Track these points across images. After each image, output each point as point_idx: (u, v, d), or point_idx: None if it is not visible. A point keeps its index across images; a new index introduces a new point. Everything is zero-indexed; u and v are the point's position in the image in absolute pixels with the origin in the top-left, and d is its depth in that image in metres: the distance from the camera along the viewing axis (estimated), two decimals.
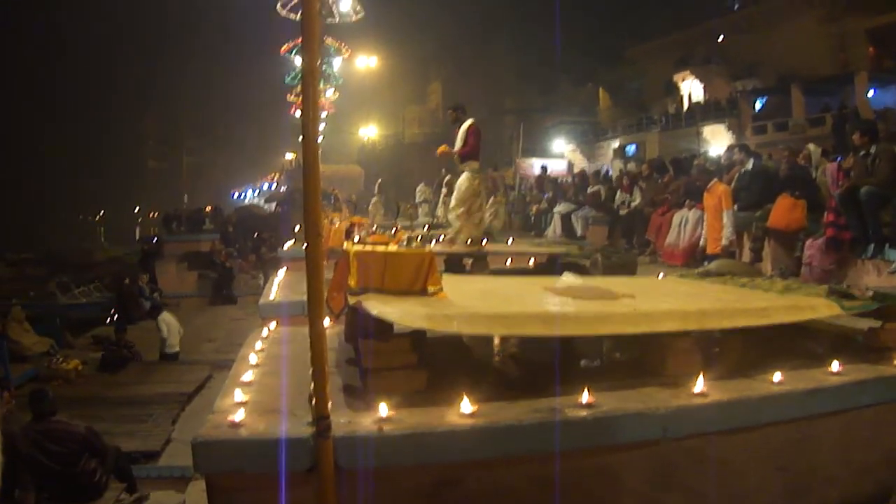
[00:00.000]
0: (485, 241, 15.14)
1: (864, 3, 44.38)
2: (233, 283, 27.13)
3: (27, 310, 18.90)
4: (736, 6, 53.22)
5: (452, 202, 12.27)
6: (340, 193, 22.41)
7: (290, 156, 46.58)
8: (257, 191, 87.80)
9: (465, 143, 12.07)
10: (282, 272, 13.17)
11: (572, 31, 62.26)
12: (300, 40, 4.52)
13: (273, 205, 45.74)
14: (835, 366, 5.43)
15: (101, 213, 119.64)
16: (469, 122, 12.16)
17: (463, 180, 12.11)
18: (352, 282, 5.37)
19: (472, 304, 5.44)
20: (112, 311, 22.92)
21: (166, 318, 17.89)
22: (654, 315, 5.30)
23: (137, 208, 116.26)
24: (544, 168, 31.94)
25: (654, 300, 5.93)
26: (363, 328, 5.06)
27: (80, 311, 25.07)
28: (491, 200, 23.26)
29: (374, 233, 7.01)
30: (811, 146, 14.48)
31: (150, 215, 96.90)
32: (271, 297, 10.50)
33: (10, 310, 17.80)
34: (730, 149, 15.88)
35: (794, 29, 45.40)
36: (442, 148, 12.42)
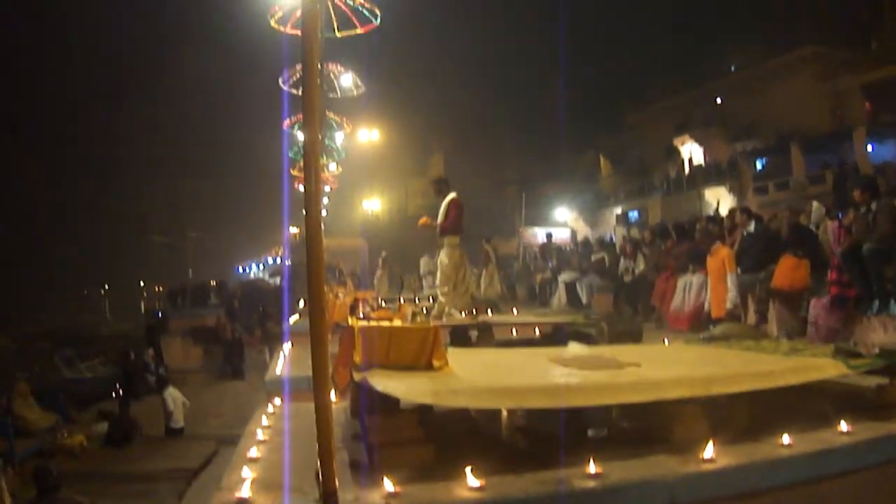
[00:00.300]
0: (490, 311, 15.15)
1: (859, 59, 44.84)
2: (242, 357, 26.99)
3: (32, 384, 18.86)
4: (733, 68, 53.60)
5: (438, 279, 12.26)
6: (344, 267, 22.47)
7: (293, 230, 46.69)
8: (261, 265, 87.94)
9: (447, 216, 12.09)
10: (287, 347, 13.16)
11: (572, 100, 62.79)
12: (302, 115, 4.58)
13: (277, 278, 45.83)
14: (843, 425, 5.40)
15: (106, 288, 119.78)
16: (451, 196, 12.22)
17: (443, 256, 12.14)
18: (357, 357, 5.38)
19: (477, 377, 5.44)
20: (117, 386, 22.85)
21: (172, 392, 17.84)
22: (661, 383, 5.29)
23: (142, 283, 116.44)
24: (549, 235, 32.02)
25: (660, 368, 5.93)
26: (369, 403, 5.06)
27: (84, 386, 24.99)
28: (483, 272, 23.37)
29: (379, 307, 7.03)
30: (815, 203, 14.51)
31: (155, 290, 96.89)
32: (277, 373, 10.48)
33: (16, 385, 17.75)
34: (731, 212, 15.92)
35: (791, 88, 45.82)
36: (423, 220, 12.48)
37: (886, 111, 40.89)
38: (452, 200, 12.10)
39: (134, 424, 16.74)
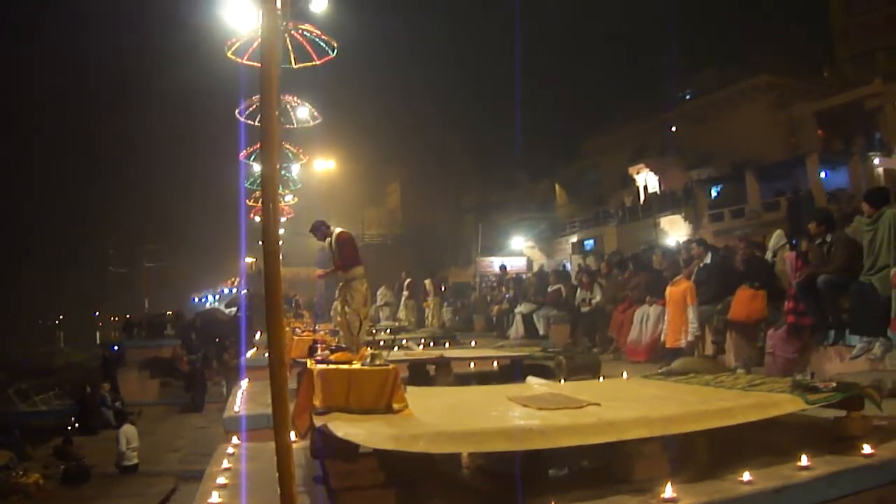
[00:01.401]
0: (447, 344, 15.13)
1: (812, 87, 45.44)
2: (204, 389, 26.79)
3: None
4: (688, 96, 54.02)
5: (350, 311, 12.00)
6: (301, 298, 22.39)
7: (249, 259, 46.51)
8: (217, 295, 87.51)
9: (341, 253, 12.00)
10: (244, 383, 13.09)
11: (528, 129, 63.19)
12: (259, 146, 4.59)
13: (234, 309, 45.62)
14: (804, 460, 5.46)
15: (61, 318, 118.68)
16: (336, 232, 12.09)
17: (354, 290, 11.92)
18: (316, 401, 5.35)
19: (437, 421, 5.44)
20: (73, 420, 22.65)
21: (126, 430, 17.68)
22: (620, 423, 5.30)
23: (97, 313, 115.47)
24: (503, 267, 32.07)
25: (620, 406, 5.94)
26: (329, 448, 5.04)
27: (39, 419, 24.78)
28: (425, 306, 23.53)
29: (337, 348, 6.99)
30: (778, 231, 14.54)
31: (111, 319, 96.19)
32: (235, 409, 10.43)
33: None
34: (687, 243, 15.99)
35: (746, 116, 46.35)
36: (318, 272, 12.30)
37: (838, 138, 41.45)
38: (338, 237, 11.95)
39: (79, 461, 16.52)
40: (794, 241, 12.75)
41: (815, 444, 5.88)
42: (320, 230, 12.17)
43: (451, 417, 5.69)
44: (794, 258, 11.62)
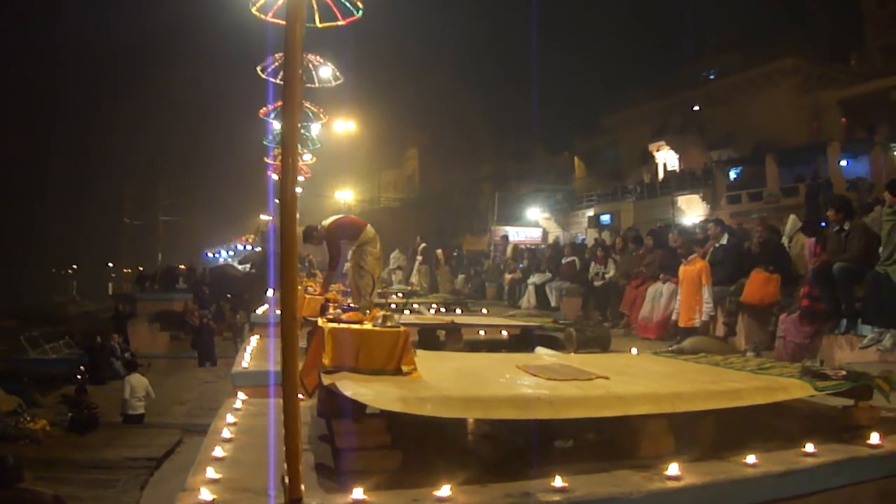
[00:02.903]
0: (458, 311, 15.12)
1: (837, 74, 45.04)
2: (212, 344, 26.81)
3: None
4: (712, 76, 53.67)
5: (362, 272, 11.87)
6: (314, 258, 22.32)
7: (265, 217, 46.53)
8: (231, 251, 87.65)
9: (330, 253, 11.93)
10: (254, 339, 13.10)
11: (549, 100, 62.96)
12: (280, 104, 4.57)
13: (247, 266, 45.68)
14: (809, 447, 5.41)
15: (74, 268, 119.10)
16: (325, 228, 11.87)
17: (366, 253, 11.80)
18: (326, 360, 5.33)
19: (446, 385, 5.44)
20: (82, 369, 22.72)
21: (132, 379, 17.70)
22: (628, 398, 5.29)
23: (111, 264, 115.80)
24: (505, 237, 32.04)
25: (629, 381, 5.92)
26: (337, 407, 5.04)
27: (49, 367, 24.89)
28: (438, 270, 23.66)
29: (348, 308, 6.97)
30: (792, 216, 14.49)
31: (124, 271, 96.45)
32: (244, 365, 10.42)
33: None
34: (703, 223, 15.93)
35: (769, 99, 45.86)
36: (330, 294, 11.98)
37: (862, 128, 41.08)
38: (328, 235, 11.80)
39: (91, 410, 16.58)
40: (823, 224, 12.69)
41: (822, 432, 5.85)
42: (314, 235, 12.02)
43: (459, 382, 5.68)
44: (814, 243, 11.58)
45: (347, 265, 12.35)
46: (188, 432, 14.89)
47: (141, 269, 51.12)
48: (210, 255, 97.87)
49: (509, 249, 27.95)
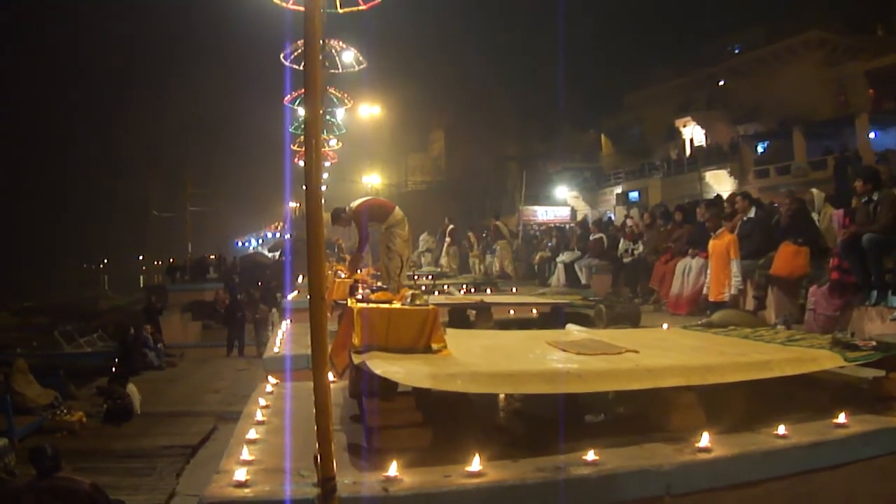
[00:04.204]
0: (488, 290, 15.13)
1: (864, 45, 44.66)
2: (243, 332, 26.86)
3: (31, 360, 18.87)
4: (736, 50, 53.39)
5: (391, 253, 11.76)
6: (344, 243, 22.39)
7: (293, 204, 46.68)
8: (261, 239, 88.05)
9: (360, 239, 11.84)
10: (285, 325, 13.18)
11: (574, 78, 62.78)
12: (303, 91, 4.58)
13: (277, 253, 45.88)
14: (840, 418, 5.40)
15: (105, 262, 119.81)
16: (353, 210, 11.69)
17: (394, 235, 11.66)
18: (356, 339, 5.36)
19: (475, 361, 5.45)
20: (116, 361, 22.88)
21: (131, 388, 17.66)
22: (658, 370, 5.30)
23: (141, 257, 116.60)
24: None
25: (658, 355, 5.92)
26: (367, 386, 5.06)
27: (84, 361, 25.02)
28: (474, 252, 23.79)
29: (378, 288, 7.01)
30: (814, 191, 14.44)
31: (154, 264, 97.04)
32: (275, 351, 10.50)
33: (14, 361, 17.74)
34: (730, 197, 15.83)
35: (794, 73, 45.58)
36: (359, 275, 11.85)
37: (890, 99, 40.77)
38: (354, 217, 11.64)
39: (123, 401, 16.69)
40: (858, 196, 12.62)
41: (853, 404, 5.82)
42: (341, 217, 11.89)
43: (489, 359, 5.69)
44: (842, 215, 11.49)
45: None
46: (222, 419, 15.00)
47: (171, 260, 51.35)
48: (240, 243, 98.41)
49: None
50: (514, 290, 17.73)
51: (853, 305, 10.38)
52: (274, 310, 24.96)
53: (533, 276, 23.71)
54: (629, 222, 19.22)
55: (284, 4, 9.51)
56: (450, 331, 6.41)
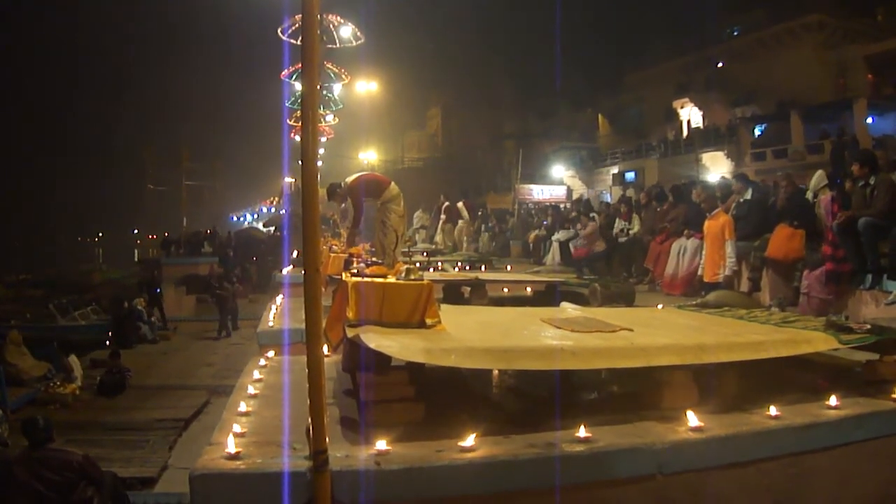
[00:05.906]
0: (482, 267, 15.11)
1: (863, 30, 44.54)
2: (235, 308, 26.75)
3: (25, 332, 18.85)
4: (735, 32, 53.24)
5: (386, 228, 11.61)
6: (339, 218, 22.36)
7: (289, 179, 46.60)
8: (256, 214, 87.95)
9: (354, 210, 11.70)
10: (279, 298, 13.17)
11: (572, 57, 62.59)
12: (300, 65, 4.54)
13: (272, 228, 45.81)
14: (832, 400, 5.42)
15: (100, 235, 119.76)
16: (348, 186, 11.51)
17: (390, 210, 11.54)
18: (350, 313, 5.36)
19: (469, 337, 5.46)
20: (110, 334, 22.87)
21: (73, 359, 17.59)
22: (652, 349, 5.30)
23: (136, 230, 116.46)
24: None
25: (652, 333, 5.93)
26: (361, 360, 5.06)
27: (77, 334, 25.01)
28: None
29: (372, 262, 7.00)
30: (820, 172, 14.33)
31: (149, 237, 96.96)
32: (269, 325, 10.50)
33: (8, 333, 17.72)
34: (725, 178, 15.81)
35: (793, 56, 45.41)
36: (354, 249, 11.72)
37: (888, 83, 40.65)
38: (349, 193, 11.46)
39: (123, 374, 16.69)
40: (837, 181, 12.60)
41: (845, 386, 5.86)
42: (337, 192, 11.75)
43: (483, 334, 5.70)
44: (830, 201, 11.42)
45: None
46: (215, 393, 15.00)
47: (166, 234, 51.26)
48: (235, 218, 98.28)
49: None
50: (508, 267, 17.71)
51: (848, 290, 10.39)
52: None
53: (528, 254, 23.69)
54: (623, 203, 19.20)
55: None
56: (444, 307, 6.41)
